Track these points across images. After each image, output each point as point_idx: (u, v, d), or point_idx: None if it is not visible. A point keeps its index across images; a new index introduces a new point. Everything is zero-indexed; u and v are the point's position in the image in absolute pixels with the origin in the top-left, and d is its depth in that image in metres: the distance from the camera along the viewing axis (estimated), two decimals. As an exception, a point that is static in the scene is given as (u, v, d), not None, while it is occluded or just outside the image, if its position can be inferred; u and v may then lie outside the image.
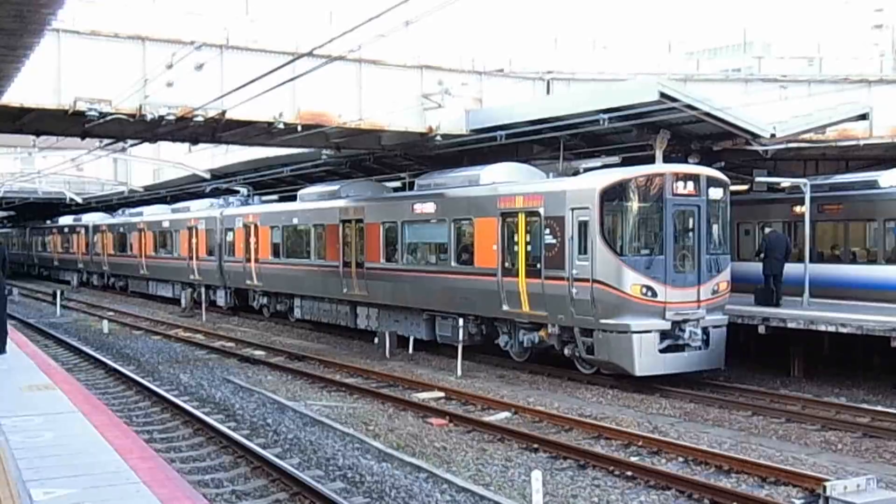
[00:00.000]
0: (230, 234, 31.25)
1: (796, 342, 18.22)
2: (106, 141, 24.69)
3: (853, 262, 21.60)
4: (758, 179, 24.07)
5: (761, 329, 17.59)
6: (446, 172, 22.09)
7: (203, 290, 33.22)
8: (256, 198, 33.32)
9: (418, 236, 21.81)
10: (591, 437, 13.30)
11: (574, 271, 16.69)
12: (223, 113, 18.99)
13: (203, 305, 31.94)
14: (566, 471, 11.61)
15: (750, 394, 16.58)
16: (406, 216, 21.77)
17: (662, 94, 18.22)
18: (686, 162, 21.70)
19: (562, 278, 16.94)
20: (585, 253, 16.53)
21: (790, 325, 17.16)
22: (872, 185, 21.35)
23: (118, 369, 19.10)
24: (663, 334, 16.34)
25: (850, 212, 21.50)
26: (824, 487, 9.90)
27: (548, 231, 17.27)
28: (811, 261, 20.09)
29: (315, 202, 26.39)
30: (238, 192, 34.63)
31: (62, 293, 36.69)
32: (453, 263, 20.05)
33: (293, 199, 28.80)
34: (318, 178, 32.73)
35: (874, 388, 17.09)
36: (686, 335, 16.42)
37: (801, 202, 20.52)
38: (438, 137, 22.06)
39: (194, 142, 23.94)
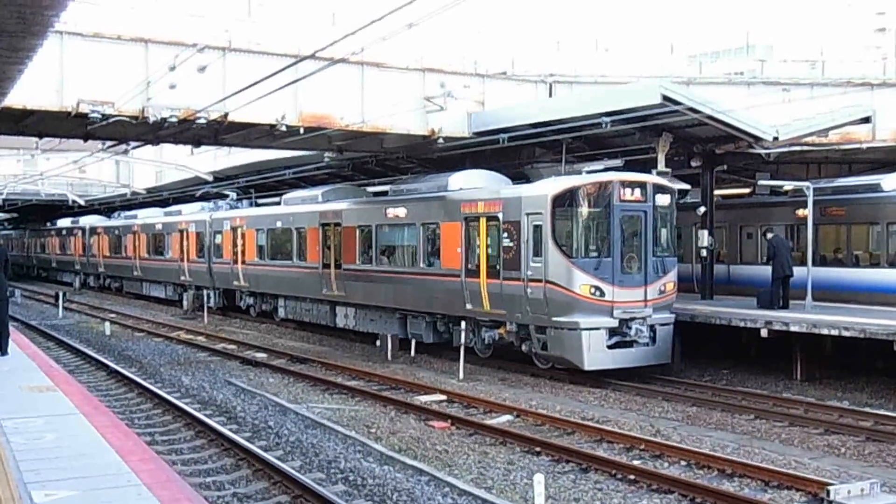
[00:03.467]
0: (218, 236, 32.35)
1: (799, 346, 18.19)
2: (108, 143, 24.71)
3: (856, 265, 21.57)
4: (760, 182, 24.04)
5: (764, 332, 17.56)
6: (418, 178, 23.43)
7: (205, 292, 33.23)
8: (245, 201, 34.32)
9: (391, 239, 22.92)
10: (593, 441, 13.27)
11: (529, 272, 17.79)
12: (225, 115, 18.99)
13: (205, 308, 31.94)
14: (568, 474, 11.58)
15: (753, 397, 16.55)
16: (380, 220, 22.88)
17: (665, 97, 18.22)
18: (689, 165, 21.70)
19: (518, 279, 18.05)
20: (539, 255, 17.62)
21: (793, 328, 17.14)
22: (875, 188, 21.33)
23: (120, 371, 19.09)
24: (611, 331, 17.35)
25: (853, 215, 21.47)
26: (828, 491, 9.88)
27: (506, 235, 18.37)
28: (814, 264, 20.07)
29: (297, 206, 27.42)
30: (228, 195, 35.58)
31: (64, 295, 36.71)
32: (422, 265, 21.18)
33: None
34: (320, 181, 32.76)
35: (877, 391, 17.06)
36: (633, 332, 17.42)
37: (804, 205, 20.50)
38: (441, 140, 22.07)
39: (197, 144, 23.97)
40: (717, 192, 23.55)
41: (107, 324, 28.87)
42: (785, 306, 19.61)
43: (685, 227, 25.63)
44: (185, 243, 35.33)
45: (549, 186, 17.98)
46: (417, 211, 21.55)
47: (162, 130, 20.40)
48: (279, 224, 28.09)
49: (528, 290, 17.78)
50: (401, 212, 22.18)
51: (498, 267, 18.60)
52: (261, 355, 22.53)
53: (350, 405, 16.15)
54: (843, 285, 21.17)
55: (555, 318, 17.43)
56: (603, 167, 21.90)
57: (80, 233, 50.58)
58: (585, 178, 18.25)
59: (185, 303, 34.37)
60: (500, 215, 18.60)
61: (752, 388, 17.65)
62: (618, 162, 21.85)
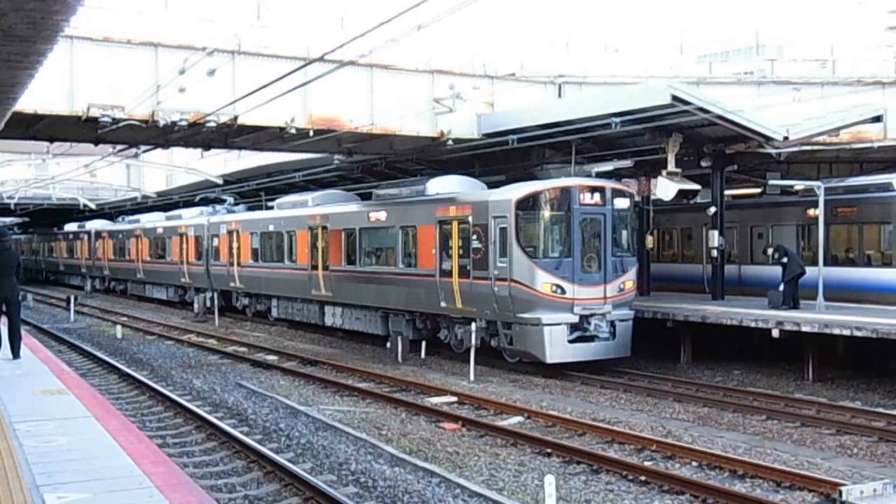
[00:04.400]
0: (216, 239, 33.75)
1: (811, 346, 18.12)
2: (119, 147, 24.80)
3: (868, 265, 21.48)
4: (771, 182, 23.99)
5: (775, 332, 17.51)
6: (400, 183, 24.71)
7: (215, 294, 33.36)
8: (241, 206, 35.65)
9: (373, 242, 24.16)
10: (604, 442, 13.25)
11: (495, 272, 19.08)
12: (235, 118, 19.05)
13: (216, 311, 32.04)
14: (579, 475, 11.56)
15: (764, 398, 16.50)
16: (363, 223, 24.11)
17: (675, 98, 18.20)
18: (699, 166, 21.65)
19: (486, 278, 19.31)
20: (505, 256, 18.89)
21: (804, 328, 17.08)
22: (887, 187, 21.23)
23: (131, 374, 19.15)
24: (572, 327, 18.59)
25: (865, 214, 21.38)
26: (840, 492, 9.84)
27: (475, 237, 19.68)
28: (825, 264, 19.99)
29: (288, 210, 28.83)
30: (226, 200, 36.90)
31: (76, 298, 36.87)
32: (401, 266, 22.45)
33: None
34: (329, 184, 32.81)
35: (890, 391, 16.96)
36: (592, 327, 18.68)
37: (815, 205, 20.42)
38: (450, 142, 22.09)
39: (206, 147, 24.04)
40: (727, 192, 23.50)
41: (118, 327, 28.98)
42: (796, 306, 19.54)
43: (696, 228, 25.59)
44: (184, 246, 36.57)
45: (512, 192, 19.28)
46: (397, 215, 22.73)
47: (172, 134, 20.47)
48: (271, 228, 29.40)
49: (495, 289, 19.01)
50: (382, 215, 23.33)
51: (468, 267, 19.84)
52: (272, 358, 22.57)
53: (361, 407, 16.17)
54: (855, 285, 21.08)
55: (519, 315, 18.67)
56: (613, 167, 21.90)
57: (86, 237, 51.74)
58: (547, 183, 19.60)
59: (195, 306, 34.48)
60: (471, 219, 19.85)
61: (764, 388, 17.59)
62: (627, 163, 21.83)
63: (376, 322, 23.67)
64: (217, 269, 33.55)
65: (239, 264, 31.68)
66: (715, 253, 22.30)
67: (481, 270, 19.42)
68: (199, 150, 28.68)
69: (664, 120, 19.27)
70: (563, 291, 18.53)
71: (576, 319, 18.59)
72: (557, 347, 18.47)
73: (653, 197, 23.35)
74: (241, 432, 13.43)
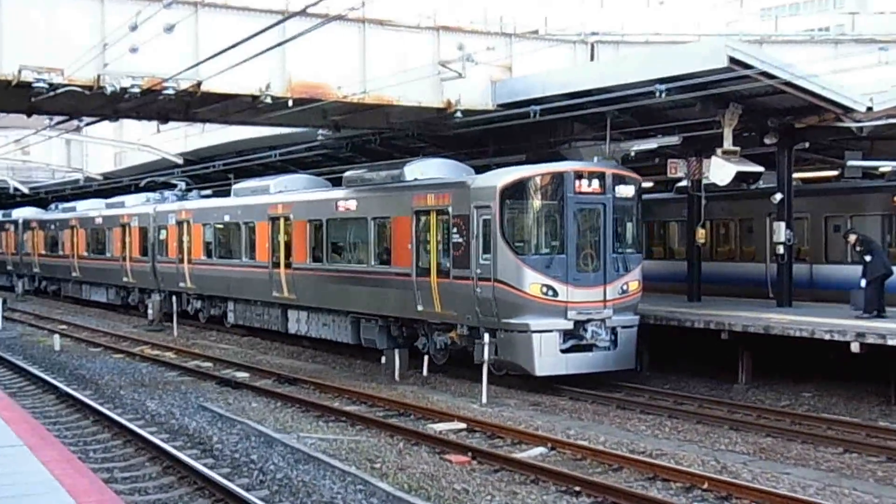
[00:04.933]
0: (163, 231, 34.18)
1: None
2: (57, 119, 24.85)
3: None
4: (850, 163, 23.90)
5: (855, 347, 17.45)
6: (374, 167, 25.11)
7: (173, 298, 33.42)
8: (195, 192, 35.80)
9: (342, 235, 24.78)
10: (644, 479, 13.22)
11: (478, 270, 19.52)
12: (198, 84, 19.05)
13: (174, 318, 32.12)
14: (615, 519, 11.56)
15: (841, 426, 16.46)
16: (330, 214, 24.65)
17: (732, 60, 18.15)
18: (762, 143, 21.61)
19: (467, 278, 19.74)
20: (489, 252, 19.32)
21: (890, 342, 17.02)
22: None
23: (72, 394, 19.19)
24: (566, 334, 19.03)
25: None
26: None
27: (455, 230, 20.12)
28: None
29: (247, 198, 29.24)
30: (176, 185, 37.03)
31: (4, 302, 36.98)
32: (373, 263, 23.05)
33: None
34: (312, 164, 32.79)
35: None
36: (588, 335, 19.13)
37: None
38: (459, 114, 22.09)
39: (164, 120, 24.08)
40: (796, 175, 23.42)
41: (56, 337, 29.05)
42: (881, 314, 19.48)
43: (757, 219, 25.54)
44: (127, 240, 36.96)
45: (498, 178, 19.67)
46: (368, 204, 23.30)
47: (121, 103, 20.48)
48: (227, 218, 29.95)
49: (478, 290, 19.49)
50: (352, 205, 23.90)
51: (448, 265, 20.33)
52: (242, 374, 22.59)
53: (349, 435, 16.19)
54: None
55: (504, 320, 19.13)
56: (656, 145, 21.88)
57: (12, 228, 51.61)
58: (537, 168, 20.01)
59: (150, 311, 34.56)
60: (450, 209, 20.28)
61: (841, 415, 17.54)
62: (674, 139, 21.80)
63: (346, 329, 24.26)
64: (165, 267, 33.95)
65: (190, 261, 32.14)
66: (781, 249, 22.25)
67: (462, 269, 19.88)
68: (154, 124, 28.73)
69: (719, 87, 19.23)
70: (556, 293, 19.01)
71: (570, 326, 19.06)
72: (548, 358, 18.94)
73: (705, 181, 23.29)
74: (205, 465, 13.43)
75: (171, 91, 18.91)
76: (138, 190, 40.38)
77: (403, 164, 23.27)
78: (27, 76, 18.13)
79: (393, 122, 24.90)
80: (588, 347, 19.25)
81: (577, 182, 19.35)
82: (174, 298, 32.72)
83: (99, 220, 40.36)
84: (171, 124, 26.83)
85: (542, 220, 19.74)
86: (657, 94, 19.02)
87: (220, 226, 30.69)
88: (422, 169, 22.80)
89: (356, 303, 23.60)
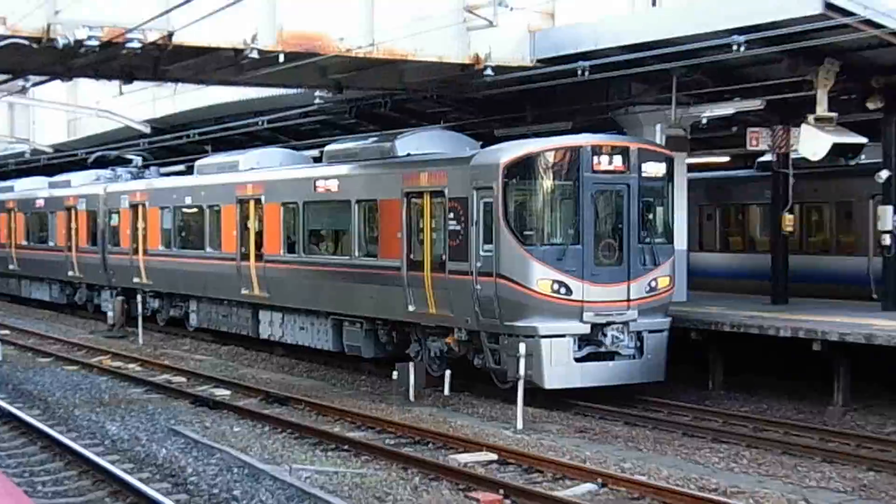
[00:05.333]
0: (115, 217, 34.89)
1: None
2: (-2, 78, 24.97)
3: None
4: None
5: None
6: (360, 140, 25.76)
7: (140, 299, 33.58)
8: (153, 169, 36.18)
9: (321, 221, 25.47)
10: (717, 522, 13.22)
11: (478, 264, 19.96)
12: (169, 36, 19.06)
13: (139, 322, 32.25)
14: (680, 572, 11.55)
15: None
16: (308, 195, 25.20)
17: (828, 5, 18.03)
18: (864, 108, 21.46)
19: (466, 273, 20.17)
20: (490, 242, 19.73)
21: None
22: None
23: (15, 414, 19.31)
24: (582, 340, 19.50)
25: None
26: None
27: (451, 215, 20.58)
28: None
29: (212, 176, 29.96)
30: (131, 160, 37.33)
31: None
32: (357, 255, 23.62)
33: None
34: (308, 133, 32.79)
35: None
36: (608, 341, 19.60)
37: None
38: (489, 71, 22.02)
39: (128, 79, 24.11)
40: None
41: (-4, 344, 29.25)
42: None
43: (858, 202, 25.39)
44: (73, 226, 37.02)
45: (501, 153, 20.12)
46: (351, 185, 23.89)
47: (76, 59, 20.53)
48: (188, 200, 30.46)
49: (478, 287, 19.97)
50: (332, 185, 24.47)
51: (444, 257, 20.84)
52: (222, 392, 22.68)
53: (353, 467, 16.22)
54: None
55: (508, 323, 19.54)
56: (734, 110, 21.78)
57: None
58: (547, 141, 20.41)
59: (110, 313, 34.72)
60: (446, 190, 20.78)
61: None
62: (755, 103, 21.72)
63: (326, 333, 24.86)
64: (116, 259, 34.59)
65: (145, 252, 32.67)
66: (887, 240, 22.11)
67: (460, 262, 20.35)
68: (116, 85, 28.78)
69: (812, 39, 19.08)
70: (569, 291, 19.39)
71: (586, 330, 19.49)
72: (560, 368, 19.31)
73: (793, 155, 23.17)
74: (177, 502, 13.49)
75: (136, 44, 18.92)
76: (88, 167, 40.50)
77: (395, 137, 23.85)
78: (-39, 26, 18.22)
79: (408, 81, 24.87)
80: (609, 356, 19.67)
81: (595, 158, 19.64)
82: (138, 298, 32.81)
83: (40, 203, 40.67)
84: (137, 85, 26.81)
85: (553, 203, 20.05)
86: (734, 47, 18.90)
87: (181, 209, 31.07)
88: (417, 143, 23.38)
89: (338, 302, 24.13)
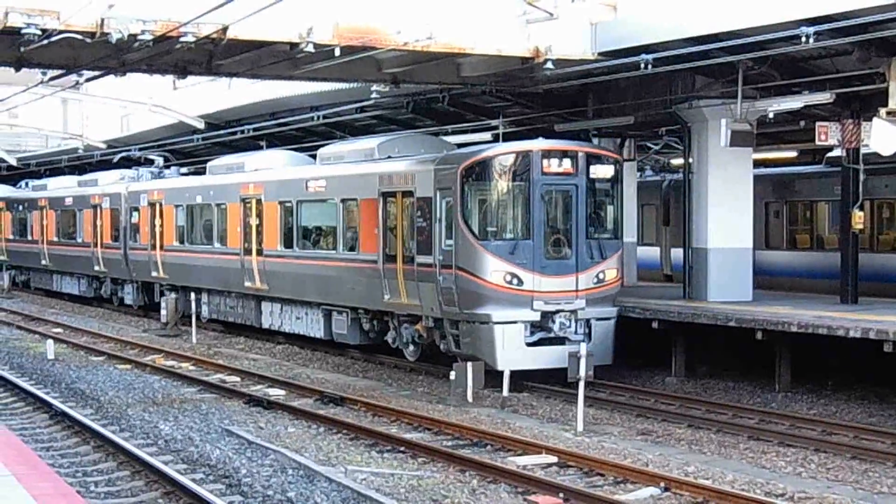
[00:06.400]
0: (135, 214, 37.39)
1: None
2: (52, 73, 25.19)
3: None
4: None
5: None
6: (349, 142, 28.63)
7: (192, 296, 33.85)
8: (174, 169, 38.73)
9: (312, 218, 27.92)
10: (784, 529, 13.12)
11: (440, 257, 22.18)
12: (224, 29, 19.18)
13: (193, 319, 32.49)
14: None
15: None
16: (301, 195, 27.68)
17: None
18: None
19: (431, 265, 22.39)
20: (451, 238, 21.94)
21: None
22: None
23: (69, 413, 19.48)
24: (533, 326, 21.57)
25: None
26: None
27: (419, 213, 22.86)
28: None
29: (220, 176, 32.56)
30: (153, 161, 39.94)
31: (-14, 300, 37.75)
32: (341, 249, 26.09)
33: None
34: (364, 128, 32.87)
35: None
36: (557, 327, 21.62)
37: None
38: (549, 64, 21.97)
39: (181, 73, 24.28)
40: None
41: (49, 342, 29.52)
42: None
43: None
44: (98, 223, 40.07)
45: (460, 158, 22.48)
46: (337, 184, 26.26)
47: (129, 53, 20.70)
48: (199, 199, 33.05)
49: (440, 278, 22.19)
50: (321, 185, 26.90)
51: (413, 252, 23.14)
52: (276, 392, 22.77)
53: (410, 469, 16.23)
54: None
55: (466, 311, 21.72)
56: (801, 104, 21.57)
57: None
58: (501, 147, 22.96)
59: (163, 312, 34.98)
60: (415, 191, 23.06)
61: None
62: (824, 96, 21.51)
63: (318, 322, 27.42)
64: (136, 255, 37.03)
65: (162, 248, 35.08)
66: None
67: (426, 256, 22.67)
68: (169, 80, 29.02)
69: (885, 29, 18.88)
70: (521, 282, 21.51)
71: (537, 317, 21.54)
72: (512, 351, 21.41)
73: (864, 150, 22.92)
74: (230, 503, 13.54)
75: (190, 38, 19.05)
76: (113, 166, 42.67)
77: (376, 140, 26.45)
78: (15, 20, 18.38)
79: (465, 75, 24.86)
80: (560, 341, 21.55)
81: (545, 162, 21.67)
82: (192, 296, 33.17)
83: (69, 201, 42.97)
84: (191, 80, 27.06)
85: (506, 202, 22.36)
86: (803, 38, 18.73)
87: (193, 207, 33.55)
88: (396, 146, 25.62)
89: (326, 294, 26.66)
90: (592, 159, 22.23)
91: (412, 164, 23.83)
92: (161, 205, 35.13)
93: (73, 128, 47.77)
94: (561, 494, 14.43)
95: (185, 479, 14.49)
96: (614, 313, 22.44)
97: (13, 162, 50.90)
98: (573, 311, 21.78)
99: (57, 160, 50.73)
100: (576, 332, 21.75)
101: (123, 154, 41.67)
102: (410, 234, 23.33)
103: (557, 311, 21.67)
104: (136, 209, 37.02)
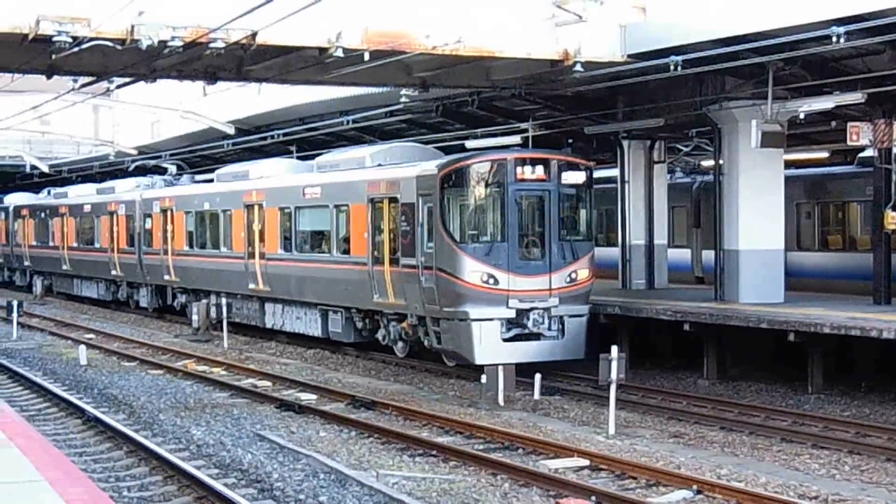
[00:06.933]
0: (148, 220, 39.25)
1: None
2: (82, 80, 25.33)
3: None
4: None
5: None
6: (343, 151, 30.44)
7: (223, 301, 34.00)
8: (186, 177, 40.36)
9: (309, 223, 29.52)
10: (818, 532, 13.07)
11: (422, 259, 23.63)
12: (253, 35, 19.24)
13: (224, 324, 32.62)
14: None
15: None
16: (298, 201, 29.37)
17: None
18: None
19: (414, 266, 23.88)
20: (432, 241, 23.36)
21: None
22: None
23: (101, 419, 19.59)
24: (508, 322, 22.86)
25: None
26: None
27: (403, 218, 24.37)
28: None
29: (226, 184, 34.33)
30: (166, 169, 42.12)
31: (20, 305, 37.89)
32: (335, 252, 27.85)
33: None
34: (394, 132, 32.94)
35: None
36: (531, 323, 22.86)
37: None
38: (578, 67, 21.94)
39: (211, 79, 24.36)
40: None
41: (82, 348, 29.67)
42: None
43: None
44: (115, 229, 42.05)
45: (439, 166, 23.73)
46: (330, 191, 27.91)
47: (160, 60, 20.80)
48: (207, 206, 34.96)
49: (422, 279, 23.60)
50: (316, 192, 28.54)
51: (398, 254, 24.68)
52: (308, 396, 22.83)
53: (442, 473, 16.24)
54: None
55: (445, 309, 23.12)
56: (833, 104, 21.48)
57: (2, 214, 56.78)
58: (478, 156, 24.32)
59: (194, 318, 35.14)
60: (399, 197, 24.60)
61: None
62: (856, 96, 21.41)
63: (316, 321, 29.13)
64: (150, 259, 38.91)
65: (173, 252, 36.98)
66: None
67: (409, 258, 24.14)
68: (199, 85, 29.10)
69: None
70: (497, 282, 22.81)
71: (512, 314, 22.85)
72: (489, 346, 22.68)
73: (896, 150, 22.84)
74: (263, 508, 13.61)
75: (219, 44, 19.12)
76: (129, 174, 44.71)
77: (367, 149, 28.17)
78: (46, 28, 18.49)
79: (495, 78, 24.87)
80: (535, 336, 22.91)
81: (519, 169, 23.04)
82: (224, 301, 33.40)
83: (87, 208, 44.82)
84: (220, 86, 27.14)
85: (483, 207, 23.83)
86: (834, 38, 18.65)
87: (201, 214, 35.40)
88: (388, 155, 27.12)
89: (322, 294, 28.32)
90: (565, 166, 23.54)
91: (397, 172, 25.27)
92: (172, 211, 36.96)
93: (105, 134, 48.04)
94: (593, 497, 14.42)
95: (217, 484, 14.55)
96: (586, 311, 23.66)
97: (46, 169, 51.19)
98: (547, 309, 23.01)
99: (88, 167, 51.05)
100: (549, 329, 22.99)
101: (138, 163, 43.93)
102: (396, 237, 24.77)
103: (532, 309, 22.89)
104: (150, 215, 38.85)
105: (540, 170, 23.24)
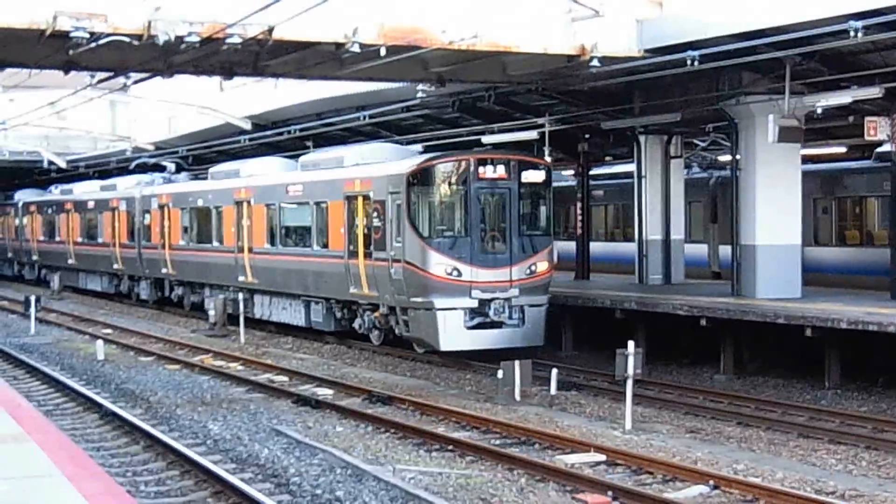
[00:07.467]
0: (147, 216, 41.18)
1: None
2: (100, 76, 25.38)
3: None
4: None
5: None
6: (324, 151, 32.29)
7: (240, 296, 34.09)
8: (184, 174, 42.04)
9: (292, 219, 31.49)
10: (835, 527, 13.03)
11: (392, 252, 25.19)
12: (270, 31, 19.25)
13: (241, 320, 32.68)
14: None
15: None
16: (283, 198, 31.30)
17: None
18: None
19: (385, 259, 25.44)
20: (400, 235, 24.88)
21: None
22: None
23: (119, 414, 19.64)
24: (473, 312, 24.48)
25: None
26: None
27: (375, 214, 26.01)
28: None
29: (218, 181, 36.33)
30: (165, 167, 43.61)
31: (38, 300, 37.99)
32: (315, 247, 29.50)
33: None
34: (410, 127, 32.94)
35: None
36: (492, 312, 24.46)
37: None
38: (595, 62, 21.91)
39: (228, 75, 24.42)
40: None
41: (99, 343, 29.76)
42: None
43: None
44: (116, 225, 43.88)
45: (407, 164, 25.46)
46: (311, 189, 29.70)
47: (177, 55, 20.83)
48: (200, 202, 36.88)
49: (392, 271, 25.19)
50: (299, 189, 30.41)
51: (371, 248, 26.24)
52: (324, 391, 22.86)
53: (458, 468, 16.25)
54: None
55: (413, 299, 24.76)
56: (850, 99, 21.42)
57: (12, 211, 58.71)
58: (442, 156, 25.91)
59: (211, 313, 35.17)
60: (371, 194, 26.24)
61: None
62: (874, 90, 21.33)
63: (299, 312, 30.86)
64: (149, 253, 40.82)
65: (170, 246, 38.89)
66: None
67: (380, 251, 25.71)
68: (216, 80, 29.15)
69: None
70: (460, 274, 24.41)
71: (475, 304, 24.44)
72: (453, 334, 24.35)
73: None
74: (279, 503, 13.60)
75: (236, 39, 19.15)
76: (135, 171, 46.08)
77: (346, 149, 29.79)
78: (64, 24, 18.54)
79: (511, 73, 24.86)
80: (497, 325, 24.52)
81: (481, 168, 24.78)
82: (240, 296, 33.51)
83: (91, 204, 46.67)
84: (237, 81, 27.18)
85: (446, 204, 25.40)
86: (851, 33, 18.60)
87: (195, 210, 37.26)
88: (364, 154, 28.41)
89: (304, 286, 30.10)
90: (524, 165, 25.22)
91: (370, 171, 26.90)
92: (169, 207, 38.96)
93: (122, 130, 48.15)
94: (609, 493, 14.40)
95: (234, 479, 14.58)
96: (545, 300, 25.29)
97: (63, 165, 51.24)
98: (507, 299, 24.61)
99: (105, 161, 51.17)
100: (510, 318, 24.61)
101: (141, 160, 45.23)
102: (369, 233, 26.28)
103: (493, 299, 24.50)
104: (149, 212, 40.79)
105: (501, 169, 24.84)
